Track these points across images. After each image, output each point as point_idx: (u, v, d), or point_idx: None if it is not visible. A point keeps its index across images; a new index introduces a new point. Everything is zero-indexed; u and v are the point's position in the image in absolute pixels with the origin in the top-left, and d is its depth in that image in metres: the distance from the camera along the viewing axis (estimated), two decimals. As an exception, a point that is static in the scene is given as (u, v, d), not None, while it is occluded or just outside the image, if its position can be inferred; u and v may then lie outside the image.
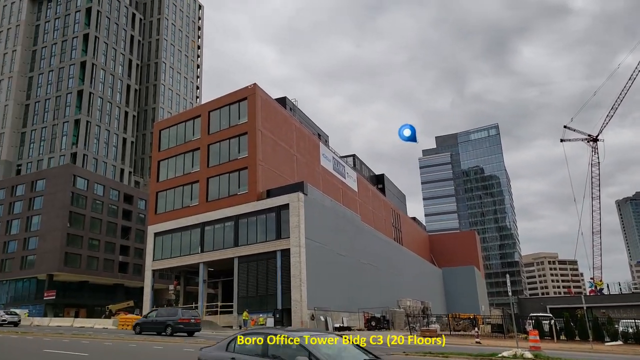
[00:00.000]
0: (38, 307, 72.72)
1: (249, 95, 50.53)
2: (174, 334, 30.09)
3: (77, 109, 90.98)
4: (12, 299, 77.57)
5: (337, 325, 43.03)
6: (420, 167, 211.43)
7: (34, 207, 79.18)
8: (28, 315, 59.95)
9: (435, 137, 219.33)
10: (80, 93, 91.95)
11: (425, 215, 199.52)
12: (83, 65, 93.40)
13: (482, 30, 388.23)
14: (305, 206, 44.50)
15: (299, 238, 42.82)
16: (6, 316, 43.25)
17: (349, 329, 43.50)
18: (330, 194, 59.78)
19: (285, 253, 43.30)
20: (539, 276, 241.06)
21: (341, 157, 73.68)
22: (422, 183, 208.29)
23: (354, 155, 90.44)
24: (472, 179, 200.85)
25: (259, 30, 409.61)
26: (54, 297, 72.83)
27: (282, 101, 63.58)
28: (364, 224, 63.16)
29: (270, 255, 44.61)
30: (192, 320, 30.58)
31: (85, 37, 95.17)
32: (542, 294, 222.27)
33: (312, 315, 41.79)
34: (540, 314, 42.86)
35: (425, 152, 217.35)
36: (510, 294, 26.21)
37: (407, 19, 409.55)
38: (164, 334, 30.37)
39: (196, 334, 31.45)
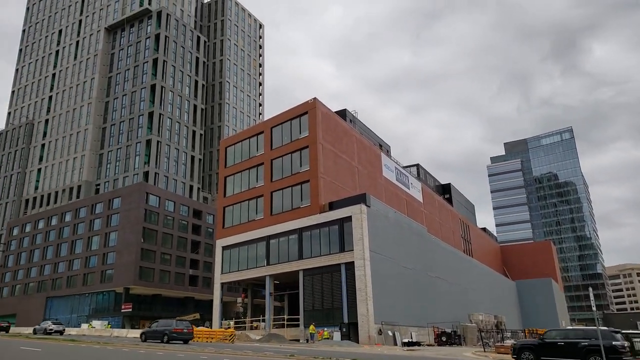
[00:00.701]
0: (117, 319, 76.41)
1: (309, 110, 50.81)
2: (170, 342, 33.91)
3: (148, 130, 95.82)
4: (93, 311, 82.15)
5: (405, 340, 41.69)
6: (489, 175, 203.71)
7: (111, 223, 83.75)
8: (111, 327, 63.17)
9: (504, 143, 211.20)
10: (151, 115, 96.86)
11: (496, 225, 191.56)
12: (153, 88, 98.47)
13: (547, 31, 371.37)
14: (369, 218, 43.77)
15: (362, 251, 42.10)
16: (53, 326, 49.32)
17: (418, 344, 42.03)
18: (394, 205, 58.59)
19: (350, 266, 42.72)
20: (627, 289, 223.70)
21: (404, 167, 72.30)
22: (492, 192, 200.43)
23: (417, 165, 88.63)
24: (545, 186, 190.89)
25: (315, 46, 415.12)
26: (131, 310, 76.28)
27: (342, 114, 63.51)
28: (430, 236, 61.30)
29: (334, 268, 44.18)
30: (185, 330, 34.93)
31: (155, 61, 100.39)
32: (632, 308, 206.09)
33: (380, 330, 40.78)
34: (631, 331, 39.27)
35: (494, 159, 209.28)
36: (594, 308, 24.03)
37: (466, 25, 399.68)
38: (163, 341, 34.40)
39: (190, 342, 35.68)
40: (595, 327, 23.16)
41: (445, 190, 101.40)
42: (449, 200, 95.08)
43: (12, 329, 59.72)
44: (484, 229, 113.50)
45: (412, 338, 42.95)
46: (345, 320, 41.55)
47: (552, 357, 23.46)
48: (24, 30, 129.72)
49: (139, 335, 49.09)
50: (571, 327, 27.55)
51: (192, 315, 74.49)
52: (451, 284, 60.79)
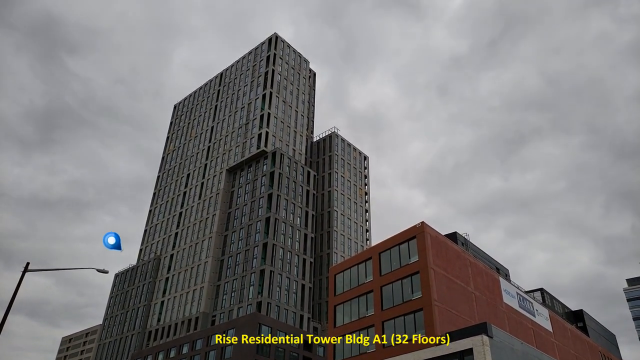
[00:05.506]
0: None
1: (417, 234, 50.34)
2: None
3: (262, 260, 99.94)
4: None
5: None
6: (629, 300, 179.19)
7: (225, 356, 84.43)
8: None
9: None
10: (265, 246, 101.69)
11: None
12: (267, 220, 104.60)
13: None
14: (492, 351, 39.90)
15: (489, 388, 37.80)
16: None
17: None
18: (519, 335, 53.17)
19: (475, 407, 38.24)
20: None
21: (526, 292, 66.56)
22: (635, 319, 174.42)
23: (541, 290, 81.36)
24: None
25: (403, 177, 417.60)
26: None
27: (453, 237, 62.01)
28: (567, 372, 53.74)
29: (457, 409, 39.81)
30: None
31: (269, 196, 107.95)
32: None
33: None
34: None
35: (631, 282, 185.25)
36: None
37: (555, 148, 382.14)
38: None
39: None
40: None
41: (577, 317, 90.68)
42: (583, 330, 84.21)
43: None
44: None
45: None
46: None
47: None
48: (158, 177, 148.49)
49: None
50: None
51: None
52: None
